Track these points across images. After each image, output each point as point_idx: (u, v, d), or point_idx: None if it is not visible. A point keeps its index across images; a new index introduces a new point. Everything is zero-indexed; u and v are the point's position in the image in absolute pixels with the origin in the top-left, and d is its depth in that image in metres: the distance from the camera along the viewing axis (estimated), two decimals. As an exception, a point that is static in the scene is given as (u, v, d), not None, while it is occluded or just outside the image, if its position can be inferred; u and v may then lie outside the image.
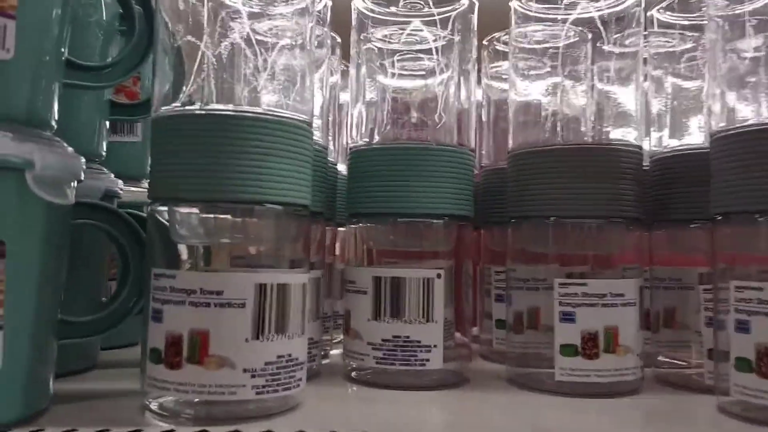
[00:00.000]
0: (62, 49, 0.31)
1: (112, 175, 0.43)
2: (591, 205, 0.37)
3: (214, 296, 0.29)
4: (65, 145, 0.30)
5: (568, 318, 0.36)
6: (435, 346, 0.37)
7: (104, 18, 0.42)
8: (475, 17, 0.42)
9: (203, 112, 0.30)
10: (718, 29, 0.34)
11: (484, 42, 0.53)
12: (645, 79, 0.43)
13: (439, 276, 0.37)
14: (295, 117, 0.32)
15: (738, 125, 0.33)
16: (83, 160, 0.31)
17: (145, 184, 0.54)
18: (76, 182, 0.31)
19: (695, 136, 0.43)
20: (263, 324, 0.30)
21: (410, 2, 0.41)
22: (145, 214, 0.44)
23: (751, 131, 0.32)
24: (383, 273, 0.38)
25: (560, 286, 0.37)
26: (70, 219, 0.32)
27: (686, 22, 0.43)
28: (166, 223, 0.32)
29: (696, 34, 0.42)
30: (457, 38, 0.41)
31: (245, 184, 0.30)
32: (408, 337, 0.37)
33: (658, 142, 0.43)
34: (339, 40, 0.50)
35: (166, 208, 0.31)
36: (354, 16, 0.42)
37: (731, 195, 0.33)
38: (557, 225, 0.38)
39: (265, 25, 0.33)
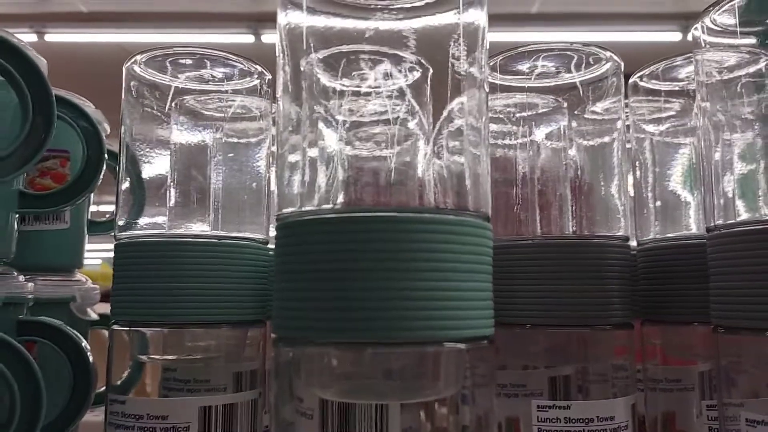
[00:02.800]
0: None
1: (21, 278, 0.37)
2: (571, 311, 0.32)
3: (160, 421, 0.31)
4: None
5: (548, 450, 0.31)
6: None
7: None
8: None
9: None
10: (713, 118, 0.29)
11: (444, 112, 0.47)
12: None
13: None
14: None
15: (741, 221, 0.28)
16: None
17: (76, 276, 0.48)
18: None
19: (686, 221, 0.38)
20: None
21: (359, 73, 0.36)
22: (59, 323, 0.38)
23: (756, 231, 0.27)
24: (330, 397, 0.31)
25: (539, 410, 0.31)
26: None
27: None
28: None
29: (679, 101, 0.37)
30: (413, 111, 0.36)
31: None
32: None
33: (644, 229, 0.38)
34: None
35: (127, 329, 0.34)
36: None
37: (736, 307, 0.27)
38: (534, 332, 0.33)
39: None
